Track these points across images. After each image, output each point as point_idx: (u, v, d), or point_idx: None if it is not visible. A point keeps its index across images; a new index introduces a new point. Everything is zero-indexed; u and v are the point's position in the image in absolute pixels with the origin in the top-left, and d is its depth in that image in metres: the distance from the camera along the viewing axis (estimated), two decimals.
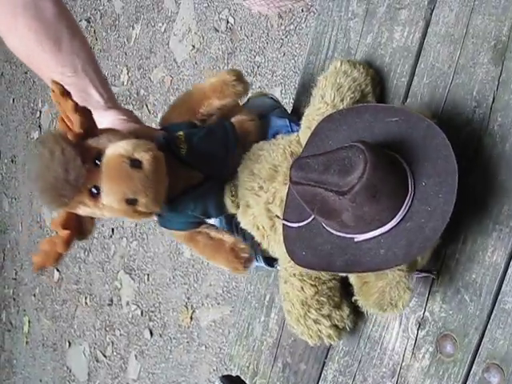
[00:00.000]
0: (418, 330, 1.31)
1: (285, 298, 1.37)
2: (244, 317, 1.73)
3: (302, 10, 3.17)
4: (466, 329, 1.24)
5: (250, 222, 1.41)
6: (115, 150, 1.23)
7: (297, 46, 3.22)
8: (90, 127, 1.28)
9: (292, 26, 3.24)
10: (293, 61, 3.27)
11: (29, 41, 1.44)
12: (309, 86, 1.47)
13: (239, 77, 1.46)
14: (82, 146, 1.25)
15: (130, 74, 4.42)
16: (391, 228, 1.14)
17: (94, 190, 1.23)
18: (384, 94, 1.41)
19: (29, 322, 5.47)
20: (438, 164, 1.14)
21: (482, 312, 1.22)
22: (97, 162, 1.23)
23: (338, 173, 1.10)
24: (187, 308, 3.80)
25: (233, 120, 1.48)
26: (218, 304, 3.57)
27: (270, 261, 1.54)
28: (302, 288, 1.33)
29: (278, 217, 1.34)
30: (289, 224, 1.30)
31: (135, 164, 1.20)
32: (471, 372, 1.23)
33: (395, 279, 1.17)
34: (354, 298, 1.26)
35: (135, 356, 4.21)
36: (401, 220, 1.14)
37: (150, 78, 4.27)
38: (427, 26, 1.35)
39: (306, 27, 3.15)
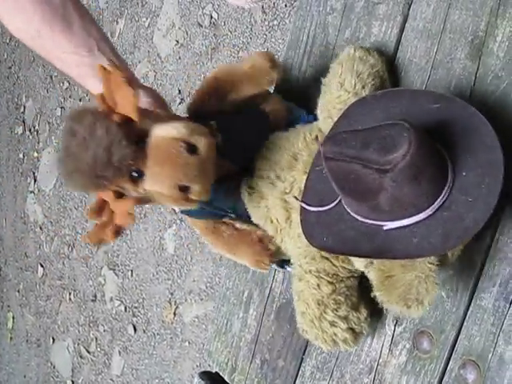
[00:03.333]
0: (395, 327, 1.31)
1: (299, 297, 1.29)
2: (223, 313, 1.72)
3: (286, 6, 3.16)
4: (442, 325, 1.24)
5: (264, 215, 1.36)
6: (167, 132, 1.14)
7: (280, 41, 3.21)
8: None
9: (275, 22, 3.23)
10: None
11: (35, 22, 1.39)
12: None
13: (273, 61, 1.39)
14: (125, 124, 1.15)
15: None
16: (427, 216, 1.09)
17: (134, 174, 1.14)
18: None
19: (13, 317, 5.46)
20: (481, 155, 1.09)
21: (459, 308, 1.22)
22: (140, 144, 1.14)
23: (379, 151, 1.04)
24: (171, 304, 3.79)
25: (267, 109, 1.42)
26: (202, 300, 3.56)
27: (281, 262, 1.48)
28: (318, 286, 1.25)
29: (296, 198, 1.27)
30: (307, 207, 1.24)
31: (191, 149, 1.12)
32: (448, 368, 1.23)
33: (425, 272, 1.09)
34: (373, 294, 1.16)
35: (119, 352, 4.20)
36: (438, 209, 1.08)
37: (133, 72, 4.25)
38: (405, 21, 1.35)
39: (290, 22, 3.14)
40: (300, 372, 1.50)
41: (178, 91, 3.87)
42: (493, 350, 1.17)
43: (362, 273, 1.21)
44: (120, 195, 1.19)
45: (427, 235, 1.08)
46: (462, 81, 1.24)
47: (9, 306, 5.52)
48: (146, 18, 4.18)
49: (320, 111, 1.35)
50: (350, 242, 1.15)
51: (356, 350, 1.37)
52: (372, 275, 1.17)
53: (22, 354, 5.27)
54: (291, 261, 1.36)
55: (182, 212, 1.42)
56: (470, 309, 1.21)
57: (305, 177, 1.28)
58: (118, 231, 1.20)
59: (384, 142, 1.04)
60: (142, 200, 1.22)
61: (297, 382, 1.51)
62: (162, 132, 1.14)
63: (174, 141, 1.12)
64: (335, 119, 1.27)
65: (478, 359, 1.19)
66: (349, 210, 1.16)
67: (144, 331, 4.00)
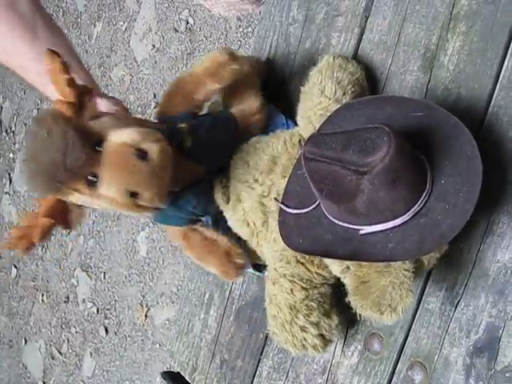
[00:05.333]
0: (347, 329, 1.35)
1: (271, 300, 1.28)
2: (184, 314, 1.75)
3: (260, 13, 3.19)
4: (392, 328, 1.27)
5: (240, 218, 1.35)
6: (120, 137, 1.14)
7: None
8: (89, 106, 1.20)
9: (250, 29, 3.26)
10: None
11: (1, 30, 1.41)
12: None
13: (232, 55, 1.36)
14: (83, 128, 1.15)
15: (90, 72, 4.41)
16: (403, 222, 1.09)
17: (91, 178, 1.13)
18: None
19: None
20: (461, 163, 1.09)
21: (407, 312, 1.23)
22: (97, 148, 1.14)
23: (358, 153, 1.03)
24: (142, 306, 3.81)
25: (234, 112, 1.42)
26: (173, 303, 3.58)
27: (258, 266, 1.48)
28: (291, 290, 1.24)
29: (276, 200, 1.28)
30: (287, 209, 1.24)
31: (142, 155, 1.12)
32: (396, 369, 1.27)
33: (399, 279, 1.09)
34: (348, 299, 1.15)
35: (90, 353, 4.21)
36: (415, 215, 1.09)
37: (110, 76, 4.27)
38: (362, 33, 1.38)
39: None
40: (257, 372, 1.53)
41: (153, 95, 3.89)
42: (439, 352, 1.21)
43: (337, 280, 1.22)
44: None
45: (402, 241, 1.08)
46: (415, 92, 1.27)
47: None
48: (124, 22, 4.20)
49: (301, 117, 1.35)
50: (326, 245, 1.15)
51: None
52: (348, 281, 1.17)
53: None
54: (268, 263, 1.35)
55: (155, 220, 1.42)
56: (418, 312, 1.25)
57: (283, 180, 1.29)
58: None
59: (364, 144, 1.04)
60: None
61: (254, 381, 1.54)
62: (115, 137, 1.14)
63: (126, 146, 1.12)
64: (316, 125, 1.28)
65: (424, 361, 1.22)
66: (327, 214, 1.17)
67: (115, 333, 4.01)
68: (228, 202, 1.35)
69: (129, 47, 4.13)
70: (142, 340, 3.79)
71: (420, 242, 1.07)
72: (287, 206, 1.25)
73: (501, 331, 1.13)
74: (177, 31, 3.74)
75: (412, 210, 1.08)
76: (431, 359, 1.22)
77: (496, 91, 1.17)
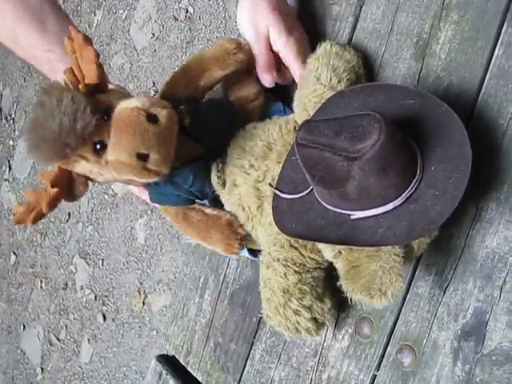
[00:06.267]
0: (338, 312, 1.36)
1: (265, 284, 1.30)
2: (179, 298, 1.77)
3: None
4: (382, 311, 1.29)
5: (236, 202, 1.36)
6: (130, 102, 1.17)
7: None
8: (103, 82, 1.22)
9: None
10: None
11: (9, 20, 1.42)
12: None
13: (239, 44, 1.39)
14: (92, 98, 1.18)
15: None
16: (394, 208, 1.10)
17: (98, 146, 1.18)
18: None
19: None
20: (451, 150, 1.10)
21: (398, 296, 1.25)
22: (105, 117, 1.18)
23: (350, 139, 1.04)
24: (140, 293, 3.83)
25: (233, 99, 1.44)
26: (170, 289, 3.61)
27: (254, 251, 1.49)
28: (285, 274, 1.25)
29: (270, 185, 1.29)
30: (280, 194, 1.25)
31: (152, 118, 1.14)
32: (386, 353, 1.29)
33: (389, 264, 1.09)
34: (339, 283, 1.16)
35: (88, 340, 4.24)
36: (405, 201, 1.09)
37: (109, 64, 4.29)
38: (356, 21, 1.40)
39: None
40: (250, 355, 1.55)
41: (152, 83, 3.91)
42: (427, 336, 1.22)
43: (330, 264, 1.23)
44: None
45: (392, 226, 1.09)
46: (407, 80, 1.29)
47: None
48: (124, 11, 4.22)
49: (296, 104, 1.36)
50: (318, 229, 1.16)
51: None
52: (340, 265, 1.18)
53: None
54: (262, 247, 1.37)
55: (152, 201, 1.43)
56: (408, 296, 1.26)
57: (278, 166, 1.30)
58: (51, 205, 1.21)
59: (355, 130, 1.05)
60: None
61: (247, 364, 1.56)
62: (125, 103, 1.17)
63: (136, 110, 1.14)
64: (311, 112, 1.29)
65: (413, 344, 1.24)
66: (319, 199, 1.18)
67: (113, 320, 4.04)
68: (224, 186, 1.36)
69: (129, 35, 4.15)
70: (140, 327, 3.82)
71: (410, 227, 1.08)
72: (281, 191, 1.26)
73: (488, 315, 1.15)
74: (176, 20, 3.76)
75: (402, 195, 1.09)
76: (420, 343, 1.24)
77: (486, 79, 1.18)
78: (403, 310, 1.27)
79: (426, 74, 1.26)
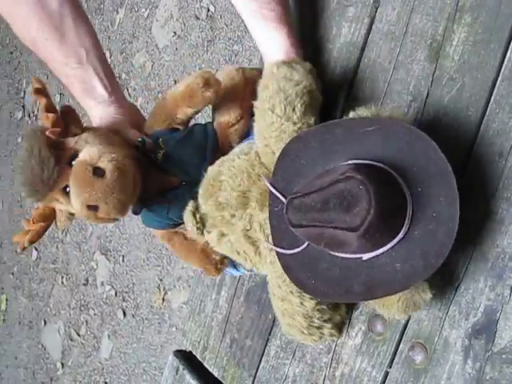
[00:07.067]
0: (352, 310, 1.38)
1: (283, 314, 1.32)
2: (197, 294, 1.80)
3: None
4: None
5: (229, 250, 1.36)
6: (83, 155, 1.28)
7: None
8: (72, 125, 1.34)
9: None
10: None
11: (32, 29, 1.44)
12: None
13: (207, 81, 1.38)
14: (61, 145, 1.31)
15: (112, 58, 4.46)
16: (400, 240, 1.12)
17: (67, 189, 1.28)
18: (330, 87, 1.45)
19: (6, 299, 5.52)
20: (429, 167, 1.12)
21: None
22: (73, 163, 1.28)
23: (340, 207, 1.08)
24: (160, 289, 3.85)
25: (215, 123, 1.47)
26: (190, 286, 3.62)
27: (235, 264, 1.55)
28: (301, 303, 1.28)
29: (269, 243, 1.30)
30: (283, 252, 1.26)
31: (97, 172, 1.24)
32: (398, 350, 1.30)
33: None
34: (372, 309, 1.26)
35: (108, 335, 4.27)
36: (407, 230, 1.12)
37: (131, 62, 4.32)
38: (372, 23, 1.41)
39: None
40: (266, 351, 1.57)
41: (173, 82, 3.93)
42: (439, 334, 1.24)
43: None
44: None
45: (407, 258, 1.11)
46: (421, 81, 1.30)
47: (3, 289, 5.58)
48: (146, 9, 4.24)
49: (257, 137, 1.36)
50: (339, 281, 1.17)
51: None
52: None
53: (14, 335, 5.34)
54: (268, 279, 1.38)
55: (142, 222, 1.51)
56: None
57: (260, 213, 1.31)
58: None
59: (342, 197, 1.08)
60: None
61: (262, 360, 1.58)
62: (81, 155, 1.28)
63: (84, 164, 1.26)
64: (274, 148, 1.30)
65: (425, 342, 1.26)
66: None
67: (133, 316, 4.07)
68: (203, 234, 1.36)
69: (150, 34, 4.17)
70: (159, 323, 3.84)
71: (424, 255, 1.11)
72: (283, 248, 1.26)
73: (498, 314, 1.16)
74: (198, 18, 3.78)
75: (404, 227, 1.12)
76: (432, 340, 1.25)
77: (498, 81, 1.19)
78: None
79: (440, 76, 1.28)
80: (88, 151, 1.28)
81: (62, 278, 4.81)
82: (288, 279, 1.26)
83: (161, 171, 1.41)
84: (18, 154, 1.29)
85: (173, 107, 1.43)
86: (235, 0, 1.44)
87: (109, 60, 4.48)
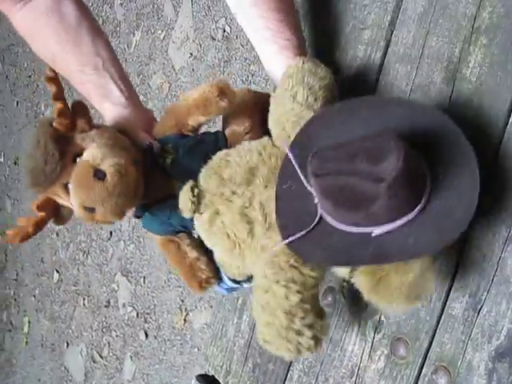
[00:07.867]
0: (374, 334, 1.38)
1: (264, 309, 1.24)
2: (218, 319, 1.79)
3: None
4: (417, 333, 1.30)
5: (220, 231, 1.32)
6: (86, 155, 1.27)
7: None
8: (81, 120, 1.33)
9: None
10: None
11: (51, 44, 1.51)
12: None
13: (222, 91, 1.36)
14: (68, 140, 1.30)
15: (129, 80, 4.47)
16: (415, 216, 1.11)
17: (69, 186, 1.27)
18: None
19: (29, 322, 5.53)
20: (452, 150, 1.13)
21: (432, 317, 1.28)
22: (78, 159, 1.27)
23: (367, 161, 1.06)
24: (181, 310, 3.85)
25: (227, 131, 1.45)
26: (211, 307, 3.61)
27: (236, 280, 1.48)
28: (286, 296, 1.21)
29: (283, 236, 1.24)
30: (293, 238, 1.21)
31: (98, 174, 1.23)
32: (422, 374, 1.29)
33: (424, 265, 1.13)
34: (366, 298, 1.19)
35: (130, 357, 4.27)
36: (424, 207, 1.11)
37: (148, 84, 4.33)
38: (387, 45, 1.41)
39: None
40: (288, 375, 1.57)
41: None
42: (462, 357, 1.23)
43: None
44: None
45: (420, 234, 1.10)
46: (438, 104, 1.30)
47: (25, 311, 5.60)
48: (162, 31, 4.26)
49: (273, 125, 1.35)
50: (345, 251, 1.16)
51: (339, 356, 1.44)
52: (359, 280, 1.20)
53: (37, 357, 5.36)
54: (254, 273, 1.34)
55: (142, 224, 1.49)
56: (442, 317, 1.27)
57: (265, 191, 1.29)
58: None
59: (371, 151, 1.07)
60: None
61: None
62: (85, 154, 1.27)
63: (86, 165, 1.25)
64: (290, 132, 1.29)
65: (448, 365, 1.25)
66: (334, 224, 1.17)
67: (155, 337, 4.07)
68: (195, 212, 1.32)
69: (167, 55, 4.19)
70: (181, 344, 3.84)
71: (438, 232, 1.09)
72: (291, 234, 1.22)
73: None
74: (214, 39, 3.79)
75: (421, 203, 1.11)
76: (455, 364, 1.24)
77: None
78: (438, 331, 1.28)
79: (457, 98, 1.28)
80: (92, 152, 1.26)
81: (84, 299, 4.82)
82: (276, 267, 1.24)
83: (166, 176, 1.40)
84: (27, 142, 1.29)
85: (185, 114, 1.41)
86: (246, 28, 1.45)
87: None
